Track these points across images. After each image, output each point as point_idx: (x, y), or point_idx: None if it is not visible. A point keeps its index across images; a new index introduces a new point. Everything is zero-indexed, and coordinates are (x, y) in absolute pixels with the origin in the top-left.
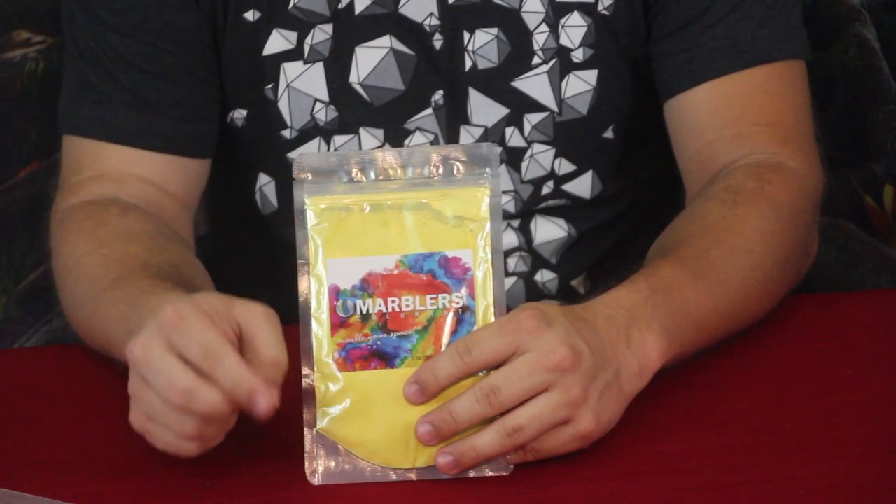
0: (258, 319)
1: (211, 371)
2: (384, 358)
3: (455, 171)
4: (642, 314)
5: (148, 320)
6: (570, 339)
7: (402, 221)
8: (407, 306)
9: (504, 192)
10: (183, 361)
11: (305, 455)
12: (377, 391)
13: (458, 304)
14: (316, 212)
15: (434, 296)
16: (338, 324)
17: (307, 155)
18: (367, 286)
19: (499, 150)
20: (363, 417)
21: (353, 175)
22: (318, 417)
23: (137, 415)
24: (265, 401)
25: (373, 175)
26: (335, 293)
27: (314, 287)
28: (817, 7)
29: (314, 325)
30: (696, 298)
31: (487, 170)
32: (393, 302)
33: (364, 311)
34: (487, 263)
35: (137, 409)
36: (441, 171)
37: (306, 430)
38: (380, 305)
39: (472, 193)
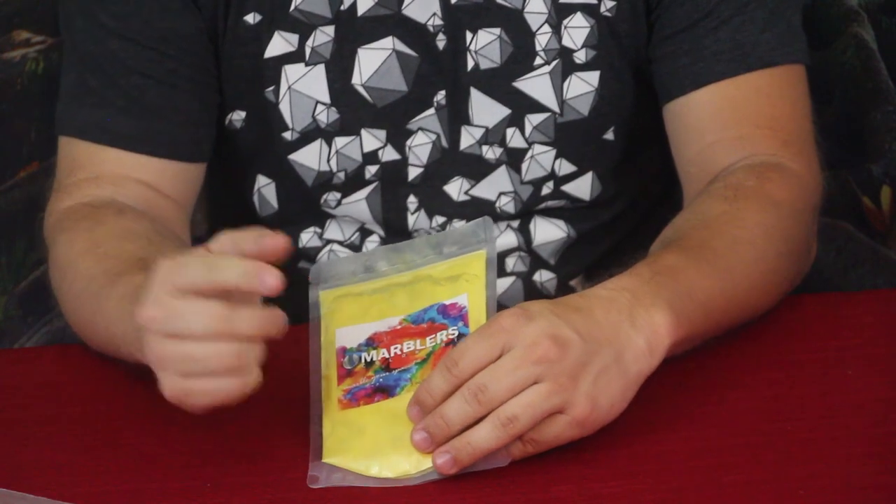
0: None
1: (218, 277)
2: (385, 391)
3: (454, 251)
4: (645, 292)
5: (144, 287)
6: (553, 330)
7: (405, 291)
8: (408, 348)
9: (504, 194)
10: (200, 297)
11: (308, 477)
12: (380, 417)
13: (454, 335)
14: (327, 302)
15: (433, 336)
16: (344, 375)
17: (321, 263)
18: (372, 342)
19: (491, 221)
20: (369, 443)
21: (361, 271)
22: (325, 452)
23: (171, 381)
24: (270, 279)
25: (380, 268)
26: (342, 352)
27: (325, 355)
28: (815, 8)
29: (323, 384)
30: (701, 281)
31: (483, 236)
32: (396, 348)
33: (369, 360)
34: (483, 300)
35: (170, 374)
36: (441, 251)
37: (311, 464)
38: (383, 353)
39: (470, 258)
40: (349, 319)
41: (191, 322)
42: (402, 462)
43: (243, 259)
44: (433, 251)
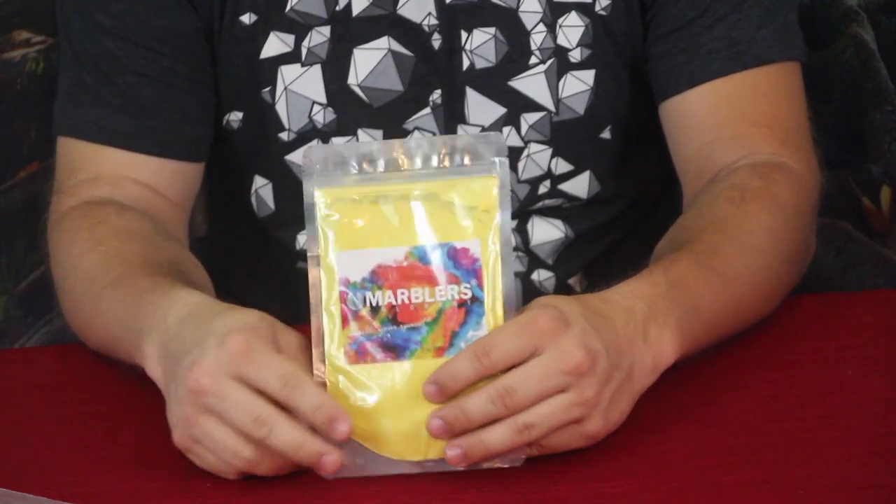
0: (301, 353)
1: (290, 399)
2: (394, 350)
3: (463, 161)
4: (661, 309)
5: (209, 347)
6: (587, 341)
7: (411, 212)
8: (416, 298)
9: None
10: (258, 394)
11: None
12: (388, 384)
13: (466, 294)
14: (326, 204)
15: (443, 287)
16: (348, 317)
17: (316, 147)
18: (376, 278)
19: (505, 139)
20: (375, 410)
21: (362, 167)
22: None
23: (184, 437)
24: (343, 427)
25: (381, 166)
26: (345, 285)
27: (324, 279)
28: (815, 8)
29: (325, 319)
30: (710, 295)
31: (495, 159)
32: (402, 294)
33: (374, 304)
34: (496, 253)
35: (185, 433)
36: (449, 161)
37: None
38: (389, 297)
39: (480, 183)
40: (351, 241)
41: (232, 413)
42: (410, 446)
43: (325, 395)
44: (437, 158)
